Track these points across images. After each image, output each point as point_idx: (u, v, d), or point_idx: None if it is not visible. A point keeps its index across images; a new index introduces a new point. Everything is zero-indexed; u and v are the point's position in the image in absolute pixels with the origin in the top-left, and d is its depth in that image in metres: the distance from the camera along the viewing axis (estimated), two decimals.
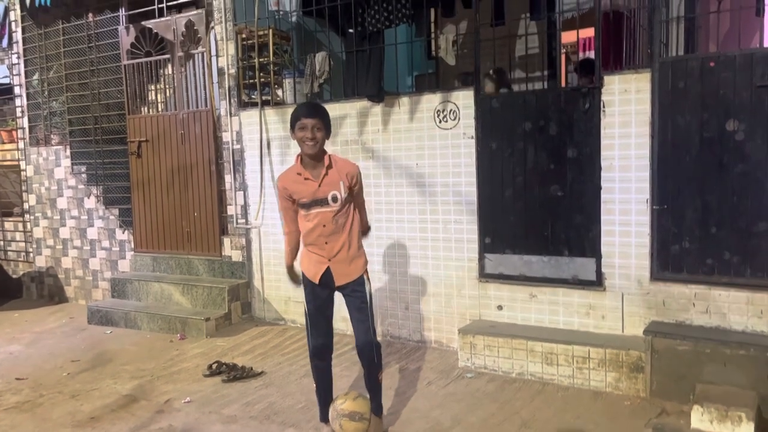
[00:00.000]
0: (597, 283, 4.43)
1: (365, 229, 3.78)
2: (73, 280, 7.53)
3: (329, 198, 3.29)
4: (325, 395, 3.61)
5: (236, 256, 6.24)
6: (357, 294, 3.45)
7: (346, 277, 3.42)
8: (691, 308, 4.12)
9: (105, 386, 4.67)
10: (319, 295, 3.47)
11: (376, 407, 3.57)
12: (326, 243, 3.34)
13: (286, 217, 3.47)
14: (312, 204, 3.30)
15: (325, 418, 3.60)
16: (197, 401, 4.29)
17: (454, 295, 4.97)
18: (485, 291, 4.85)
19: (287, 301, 5.94)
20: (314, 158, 3.30)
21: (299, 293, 5.78)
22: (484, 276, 4.84)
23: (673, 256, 4.17)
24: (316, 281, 3.41)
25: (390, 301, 5.32)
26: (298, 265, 3.57)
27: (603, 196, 4.35)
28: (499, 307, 4.81)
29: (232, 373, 4.71)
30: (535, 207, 4.62)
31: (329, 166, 3.32)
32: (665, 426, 3.62)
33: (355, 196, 3.42)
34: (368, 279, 3.51)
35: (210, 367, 4.84)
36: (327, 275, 3.39)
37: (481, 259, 4.85)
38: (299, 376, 4.68)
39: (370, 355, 3.45)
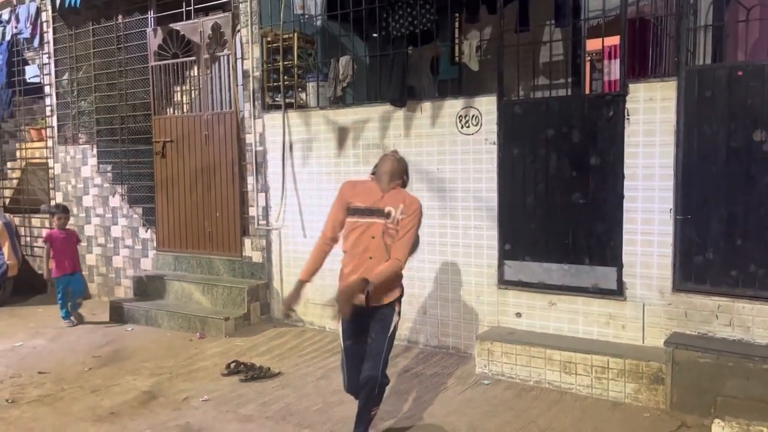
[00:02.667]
0: (618, 292, 4.38)
1: (402, 261, 3.37)
2: (96, 277, 7.64)
3: (386, 210, 3.33)
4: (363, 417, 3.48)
5: (256, 257, 6.28)
6: (380, 322, 3.36)
7: (379, 297, 3.31)
8: (713, 320, 4.05)
9: (125, 382, 4.73)
10: (357, 338, 3.39)
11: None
12: (370, 258, 3.28)
13: (331, 222, 3.45)
14: (368, 212, 3.33)
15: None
16: (214, 400, 4.33)
17: (473, 301, 4.95)
18: (504, 298, 4.82)
19: (306, 303, 5.96)
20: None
21: (318, 295, 5.83)
22: (503, 283, 4.82)
23: (697, 267, 4.11)
24: (362, 302, 3.20)
25: (408, 306, 5.31)
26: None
27: (625, 204, 4.31)
28: (518, 315, 4.78)
29: (249, 372, 4.74)
30: (556, 214, 4.59)
31: (395, 188, 3.43)
32: None
33: (402, 227, 3.32)
34: (398, 312, 3.44)
35: (228, 366, 4.88)
36: (366, 295, 3.20)
37: (500, 265, 4.82)
38: (316, 377, 4.69)
39: (372, 389, 3.35)
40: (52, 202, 8.00)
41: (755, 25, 4.67)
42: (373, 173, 3.57)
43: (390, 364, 4.86)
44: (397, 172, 3.48)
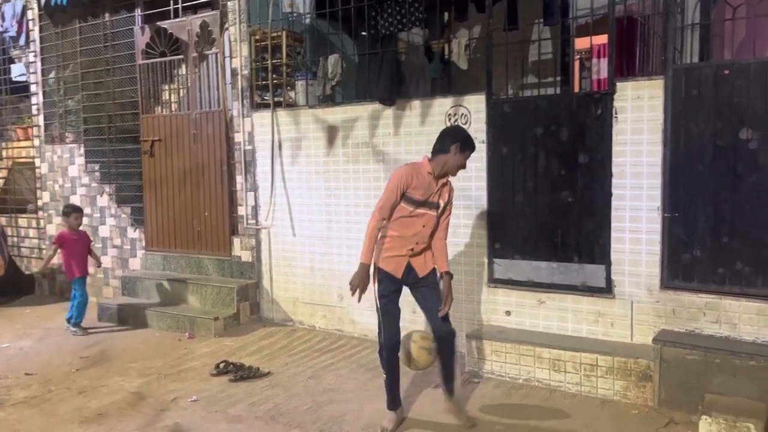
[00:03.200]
0: (606, 290, 4.40)
1: (444, 238, 3.80)
2: None
3: (439, 203, 3.64)
4: (395, 384, 3.80)
5: (246, 256, 6.26)
6: (434, 286, 3.73)
7: (425, 268, 3.71)
8: (701, 317, 4.08)
9: (112, 383, 4.69)
10: (394, 290, 3.69)
11: (454, 390, 3.84)
12: (417, 243, 3.64)
13: (388, 206, 3.58)
14: (423, 204, 3.59)
15: (394, 406, 3.81)
16: (204, 400, 4.30)
17: (463, 299, 4.95)
18: (494, 296, 4.83)
19: (295, 302, 5.95)
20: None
21: (307, 294, 5.82)
22: (493, 281, 4.83)
23: (684, 264, 4.14)
24: (399, 275, 3.64)
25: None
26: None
27: (614, 202, 4.33)
28: (507, 313, 4.79)
29: (239, 372, 4.73)
30: (545, 213, 4.60)
31: (445, 184, 3.68)
32: None
33: (447, 213, 3.74)
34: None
35: (217, 366, 4.86)
36: (408, 269, 3.66)
37: (490, 264, 4.83)
38: (306, 377, 4.68)
39: (452, 341, 3.74)
40: (39, 202, 7.94)
41: (741, 24, 4.70)
42: (435, 152, 3.64)
43: (378, 364, 4.87)
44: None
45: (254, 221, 6.17)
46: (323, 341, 5.50)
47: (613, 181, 4.32)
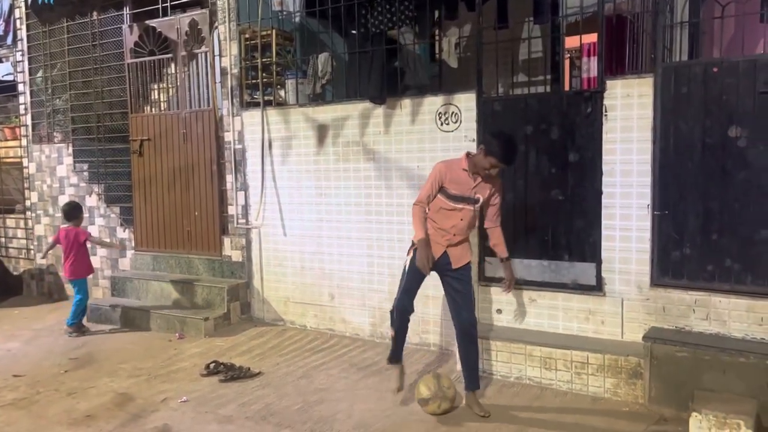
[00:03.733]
0: (597, 288, 4.40)
1: (499, 225, 4.07)
2: None
3: (476, 197, 3.81)
4: (400, 341, 4.13)
5: (236, 256, 6.23)
6: (464, 278, 3.93)
7: (459, 260, 3.90)
8: (691, 315, 4.09)
9: (102, 384, 4.66)
10: (422, 275, 3.88)
11: (478, 382, 4.00)
12: (454, 235, 3.85)
13: (426, 197, 3.84)
14: (460, 198, 3.79)
15: (395, 359, 4.14)
16: (194, 401, 4.28)
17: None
18: (485, 294, 4.82)
19: (286, 302, 5.93)
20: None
21: (298, 294, 5.81)
22: (484, 279, 4.82)
23: (674, 262, 4.15)
24: (436, 256, 3.84)
25: (388, 303, 5.28)
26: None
27: (604, 200, 4.33)
28: (499, 311, 4.79)
29: (229, 373, 4.70)
30: (536, 211, 4.61)
31: (486, 181, 3.82)
32: None
33: (495, 204, 3.95)
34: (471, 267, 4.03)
35: (207, 366, 4.83)
36: (443, 257, 3.87)
37: (480, 262, 4.82)
38: (296, 377, 4.66)
39: (474, 332, 3.94)
40: (27, 202, 7.87)
41: (730, 22, 4.72)
42: (476, 154, 3.82)
43: (370, 363, 4.89)
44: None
45: (244, 221, 6.14)
46: (314, 341, 5.48)
47: (604, 179, 4.32)
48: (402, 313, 4.00)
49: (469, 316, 3.91)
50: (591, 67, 5.44)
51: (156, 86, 6.93)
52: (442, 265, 3.90)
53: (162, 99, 7.02)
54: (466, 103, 4.81)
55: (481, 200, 3.83)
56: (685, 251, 4.11)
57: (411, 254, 3.93)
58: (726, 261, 3.98)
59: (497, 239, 4.05)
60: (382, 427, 3.77)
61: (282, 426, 3.85)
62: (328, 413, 4.00)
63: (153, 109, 6.97)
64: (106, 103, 7.15)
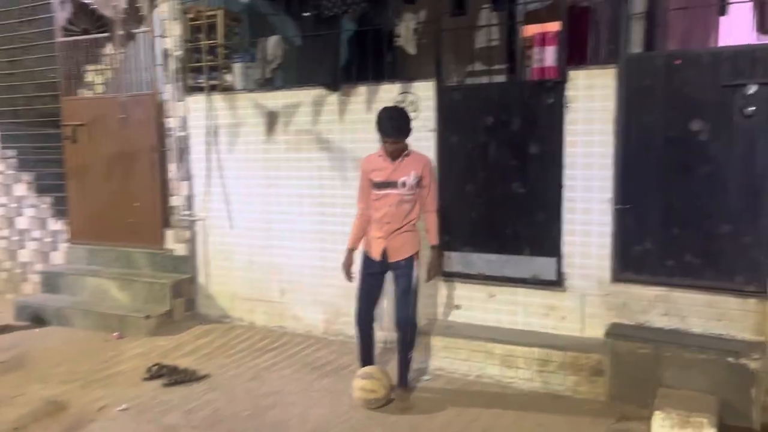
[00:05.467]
0: (557, 283, 4.32)
1: (436, 210, 4.01)
2: None
3: (399, 182, 3.76)
4: (364, 355, 4.04)
5: (180, 249, 5.88)
6: (405, 276, 3.85)
7: (398, 253, 3.84)
8: (651, 310, 4.05)
9: (32, 391, 4.28)
10: (372, 272, 3.90)
11: (404, 379, 3.97)
12: (387, 223, 3.81)
13: (362, 195, 3.94)
14: (384, 184, 3.78)
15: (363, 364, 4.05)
16: (134, 408, 3.97)
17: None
18: (443, 290, 4.68)
19: (234, 298, 5.64)
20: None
21: (246, 289, 5.53)
22: (442, 274, 4.67)
23: (635, 257, 4.10)
24: (376, 256, 3.86)
25: (344, 299, 5.08)
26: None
27: (565, 194, 4.24)
28: (457, 307, 4.66)
29: (173, 376, 4.41)
30: (496, 204, 4.48)
31: (406, 155, 3.81)
32: None
33: (424, 186, 3.86)
34: (418, 264, 3.93)
35: (149, 369, 4.51)
36: (384, 252, 3.85)
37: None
38: (246, 379, 4.41)
39: (405, 331, 3.89)
40: None
41: (685, 14, 4.69)
42: (381, 138, 3.79)
43: (325, 362, 4.69)
44: (400, 136, 3.74)
45: (189, 212, 5.79)
46: (264, 339, 5.23)
47: (565, 172, 4.22)
48: (358, 324, 3.99)
49: (404, 315, 3.86)
50: (544, 57, 5.32)
51: (91, 68, 6.46)
52: (385, 261, 3.88)
53: (98, 82, 6.55)
54: (425, 91, 4.63)
55: (408, 182, 3.76)
56: (647, 246, 4.06)
57: (361, 263, 3.97)
58: (687, 256, 3.95)
59: (430, 225, 3.97)
60: None
61: None
62: (282, 418, 3.77)
63: (88, 93, 6.50)
64: (36, 85, 6.63)
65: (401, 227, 3.82)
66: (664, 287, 4.00)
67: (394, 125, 3.72)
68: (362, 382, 3.87)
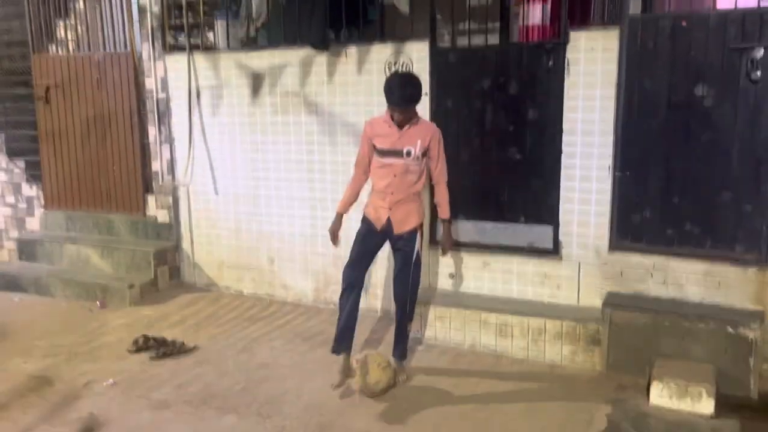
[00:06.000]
0: (554, 251, 4.25)
1: (446, 182, 3.81)
2: None
3: (404, 151, 3.54)
4: (344, 325, 3.74)
5: (162, 216, 5.69)
6: (407, 249, 3.68)
7: (402, 225, 3.64)
8: (648, 279, 4.00)
9: (13, 366, 4.13)
10: (371, 236, 3.71)
11: (401, 353, 3.86)
12: (392, 193, 3.61)
13: (361, 159, 3.72)
14: (388, 152, 3.57)
15: (337, 348, 3.76)
16: (122, 383, 3.85)
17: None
18: (436, 258, 4.58)
19: (220, 266, 5.50)
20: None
21: (233, 257, 5.39)
22: (435, 243, 4.56)
23: (634, 225, 4.02)
24: (378, 227, 3.66)
25: (335, 268, 4.97)
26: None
27: (564, 161, 4.13)
28: (451, 276, 4.57)
29: (161, 348, 4.29)
30: (492, 171, 4.36)
31: (414, 123, 3.57)
32: (624, 402, 3.52)
33: (432, 157, 3.65)
34: (421, 236, 3.80)
35: (136, 342, 4.38)
36: (388, 222, 3.64)
37: (431, 224, 4.56)
38: (236, 351, 4.30)
39: (405, 304, 3.77)
40: None
41: None
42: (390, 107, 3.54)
43: (316, 332, 4.60)
44: (411, 105, 3.51)
45: (171, 177, 5.59)
46: (253, 308, 5.11)
47: (564, 138, 4.10)
48: (347, 287, 3.73)
49: (404, 287, 3.73)
50: (531, 14, 5.09)
51: (62, 23, 6.11)
52: (388, 231, 3.68)
53: (70, 38, 6.21)
54: (419, 53, 4.43)
55: (414, 152, 3.55)
56: (646, 214, 3.99)
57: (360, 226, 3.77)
58: (686, 224, 3.89)
59: (440, 197, 3.80)
60: (336, 408, 3.50)
61: (225, 410, 3.51)
62: (275, 393, 3.69)
63: (60, 50, 6.17)
64: (3, 42, 6.26)
65: (405, 198, 3.64)
66: (663, 256, 3.95)
67: (405, 95, 3.44)
68: (367, 376, 3.59)
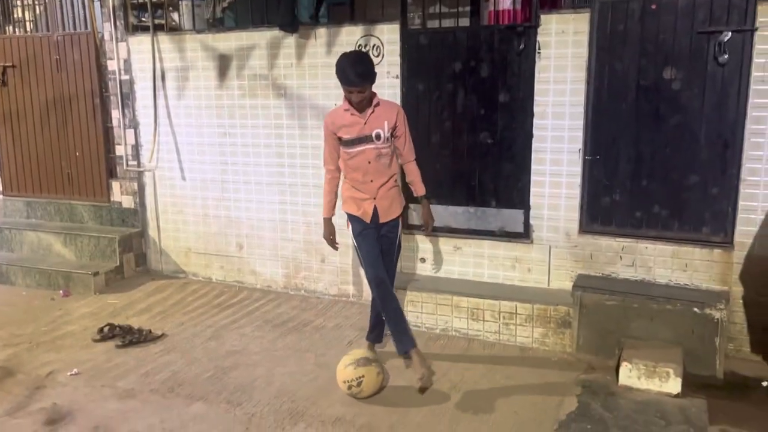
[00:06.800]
0: (524, 235, 4.26)
1: (413, 160, 3.69)
2: None
3: (373, 135, 3.41)
4: (398, 321, 3.55)
5: (127, 202, 5.55)
6: (391, 235, 3.61)
7: (387, 213, 3.54)
8: (617, 261, 4.04)
9: None
10: (370, 233, 3.54)
11: (409, 341, 3.57)
12: (371, 181, 3.47)
13: (329, 156, 3.54)
14: (357, 141, 3.42)
15: (406, 345, 3.55)
16: (86, 373, 3.75)
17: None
18: (407, 243, 4.55)
19: (188, 253, 5.39)
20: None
21: (201, 244, 5.29)
22: (407, 227, 4.53)
23: (603, 208, 4.05)
24: (368, 220, 3.51)
25: (305, 253, 4.93)
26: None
27: (534, 144, 4.13)
28: (422, 260, 4.56)
29: (127, 336, 4.19)
30: (463, 155, 4.34)
31: (376, 105, 3.44)
32: (594, 383, 3.55)
33: (400, 136, 3.54)
34: (402, 220, 3.71)
35: (101, 330, 4.28)
36: (375, 213, 3.51)
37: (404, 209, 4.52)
38: (205, 338, 4.23)
39: (387, 288, 3.56)
40: None
41: None
42: (345, 89, 3.34)
43: (287, 318, 4.55)
44: (366, 83, 3.32)
45: (136, 162, 5.44)
46: (222, 295, 5.03)
47: (535, 121, 4.10)
48: (379, 285, 3.50)
49: (393, 273, 3.69)
50: None
51: (20, 2, 5.88)
52: (374, 220, 3.54)
53: (27, 18, 5.98)
54: (389, 35, 4.37)
55: (383, 134, 3.42)
56: (615, 197, 4.01)
57: (349, 225, 3.61)
58: (654, 207, 3.93)
59: (412, 175, 3.68)
60: (307, 394, 3.46)
61: (193, 398, 3.44)
62: (245, 380, 3.63)
63: (17, 30, 5.94)
64: None
65: (386, 182, 3.51)
66: (631, 238, 3.99)
67: (358, 72, 3.27)
68: (374, 370, 3.43)
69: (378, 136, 3.42)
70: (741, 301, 3.78)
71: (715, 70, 3.66)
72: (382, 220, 3.55)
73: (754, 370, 3.66)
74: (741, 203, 3.71)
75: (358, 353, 3.49)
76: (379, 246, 3.57)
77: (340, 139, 3.46)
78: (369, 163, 3.45)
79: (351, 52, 3.44)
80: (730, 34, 3.59)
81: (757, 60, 3.55)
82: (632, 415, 3.20)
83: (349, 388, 3.34)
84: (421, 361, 3.51)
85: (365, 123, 3.40)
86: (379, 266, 3.51)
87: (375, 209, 3.51)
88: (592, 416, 3.20)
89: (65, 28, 5.60)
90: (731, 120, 3.68)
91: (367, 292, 4.67)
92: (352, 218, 3.56)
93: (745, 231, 3.72)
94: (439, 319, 4.24)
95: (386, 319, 3.59)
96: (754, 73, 3.56)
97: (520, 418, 3.20)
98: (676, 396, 3.35)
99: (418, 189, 3.71)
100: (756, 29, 3.52)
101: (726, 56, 3.62)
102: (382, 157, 3.47)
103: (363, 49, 4.41)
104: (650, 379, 3.43)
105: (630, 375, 3.48)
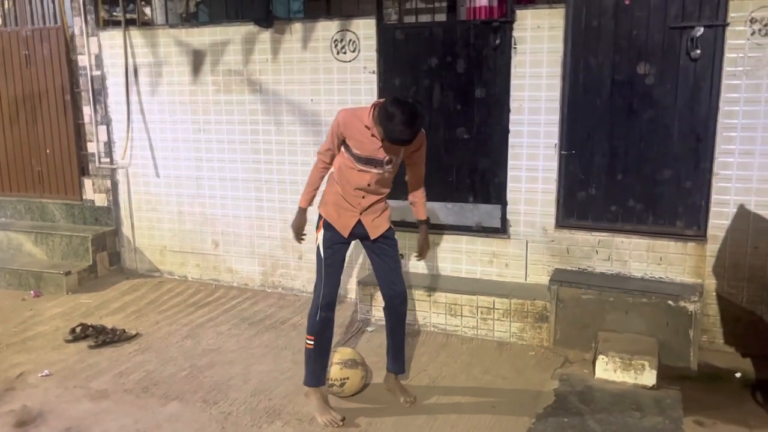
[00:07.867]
0: (501, 230, 4.27)
1: (422, 186, 3.38)
2: None
3: (384, 160, 3.05)
4: (323, 353, 3.23)
5: (100, 200, 5.46)
6: (392, 246, 3.30)
7: (378, 229, 3.22)
8: (594, 255, 4.07)
9: None
10: (340, 247, 3.22)
11: (403, 364, 3.41)
12: (363, 197, 3.16)
13: (327, 150, 3.17)
14: (365, 161, 3.06)
15: (317, 381, 3.23)
16: (58, 374, 3.67)
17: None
18: None
19: (163, 251, 5.31)
20: None
21: (176, 242, 5.21)
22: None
23: (579, 203, 4.08)
24: (346, 234, 3.18)
25: (282, 251, 4.88)
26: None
27: (511, 140, 4.14)
28: (401, 256, 4.53)
29: (100, 336, 4.11)
30: (440, 150, 4.33)
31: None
32: (571, 376, 3.58)
33: (417, 163, 3.23)
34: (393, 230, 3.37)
35: (73, 330, 4.19)
36: (358, 227, 3.19)
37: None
38: (181, 337, 4.17)
39: (405, 305, 3.35)
40: None
41: None
42: (377, 117, 2.93)
43: (263, 316, 4.51)
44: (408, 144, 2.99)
45: (108, 160, 5.35)
46: (197, 293, 4.97)
47: (511, 116, 4.11)
48: (326, 308, 3.14)
49: (402, 286, 3.30)
50: None
51: None
52: (358, 235, 3.22)
53: None
54: (365, 29, 4.35)
55: (395, 160, 3.08)
56: (591, 192, 4.04)
57: (320, 230, 3.20)
58: (629, 201, 3.97)
59: (417, 198, 3.35)
60: (284, 392, 3.43)
61: (168, 398, 3.38)
62: (222, 379, 3.58)
63: None
64: None
65: (378, 201, 3.18)
66: (607, 232, 4.02)
67: (406, 136, 2.85)
68: (360, 373, 3.35)
69: (389, 162, 3.06)
70: (714, 293, 3.83)
71: (688, 65, 3.70)
72: (373, 236, 3.21)
73: (728, 362, 3.72)
74: (714, 197, 3.76)
75: (346, 353, 3.42)
76: (344, 264, 3.26)
77: (347, 144, 3.09)
78: (368, 185, 3.10)
79: (405, 104, 2.85)
80: (702, 29, 3.63)
81: (728, 55, 3.59)
82: (608, 407, 3.22)
83: (331, 386, 3.31)
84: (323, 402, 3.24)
85: (380, 147, 3.01)
86: (335, 288, 3.19)
87: (359, 223, 3.17)
88: (569, 409, 3.21)
89: (34, 22, 5.47)
90: (704, 114, 3.72)
91: (346, 289, 4.67)
92: (326, 225, 3.18)
93: (717, 224, 3.77)
94: (417, 315, 4.24)
95: (312, 346, 3.19)
96: (726, 68, 3.61)
97: (498, 412, 3.20)
98: (652, 388, 3.39)
99: (420, 213, 3.38)
100: (727, 24, 3.57)
101: (698, 51, 3.66)
102: (385, 180, 3.14)
103: (339, 45, 4.39)
104: (626, 371, 3.46)
105: (606, 368, 3.51)
